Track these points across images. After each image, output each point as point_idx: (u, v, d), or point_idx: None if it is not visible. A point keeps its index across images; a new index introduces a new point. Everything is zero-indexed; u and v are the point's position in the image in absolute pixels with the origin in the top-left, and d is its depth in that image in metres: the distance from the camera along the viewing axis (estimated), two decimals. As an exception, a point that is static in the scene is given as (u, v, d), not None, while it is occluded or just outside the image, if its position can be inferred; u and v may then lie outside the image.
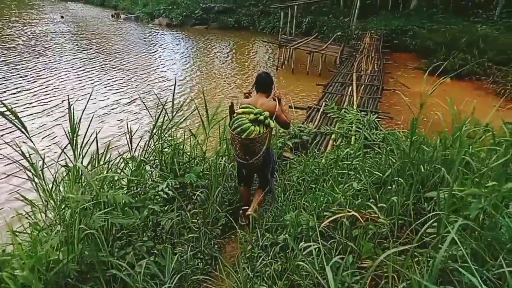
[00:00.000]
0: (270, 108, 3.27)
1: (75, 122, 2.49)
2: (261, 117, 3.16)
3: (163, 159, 3.55)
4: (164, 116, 3.55)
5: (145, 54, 15.68)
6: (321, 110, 6.64)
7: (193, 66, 14.33)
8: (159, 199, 3.02)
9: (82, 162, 2.59)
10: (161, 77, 12.36)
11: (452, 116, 2.79)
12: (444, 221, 1.64)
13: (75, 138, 2.50)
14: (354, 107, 6.75)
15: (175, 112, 3.60)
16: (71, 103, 2.55)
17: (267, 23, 23.61)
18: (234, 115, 3.31)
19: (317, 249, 2.00)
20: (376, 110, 6.79)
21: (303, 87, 11.64)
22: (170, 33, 21.90)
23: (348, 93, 7.91)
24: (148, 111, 3.94)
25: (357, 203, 2.40)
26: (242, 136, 3.13)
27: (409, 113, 2.92)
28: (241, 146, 3.21)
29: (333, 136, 5.18)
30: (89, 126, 2.76)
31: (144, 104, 5.27)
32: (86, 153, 2.76)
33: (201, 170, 3.69)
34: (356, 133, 4.58)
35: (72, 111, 2.50)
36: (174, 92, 3.96)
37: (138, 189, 3.06)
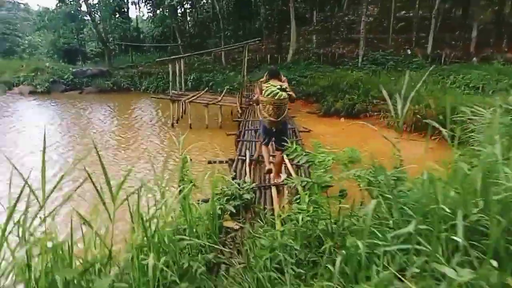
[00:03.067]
0: (286, 84, 4.47)
1: None
2: (284, 86, 4.35)
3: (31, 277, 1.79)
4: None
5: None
6: (247, 160, 5.50)
7: (66, 136, 11.82)
8: None
9: None
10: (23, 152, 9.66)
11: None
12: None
13: None
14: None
15: (48, 194, 1.95)
16: None
17: (149, 83, 22.37)
18: (265, 85, 4.37)
19: None
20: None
21: (208, 140, 10.45)
22: (33, 102, 18.58)
23: (266, 139, 7.06)
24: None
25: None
26: (276, 98, 4.24)
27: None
28: (274, 107, 4.32)
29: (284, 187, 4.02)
30: None
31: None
32: None
33: (111, 282, 2.02)
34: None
35: None
36: (43, 163, 2.24)
37: None
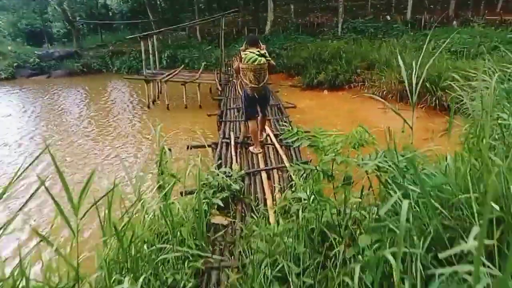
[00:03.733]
0: (264, 50, 4.59)
1: None
2: (263, 52, 4.50)
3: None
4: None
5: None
6: (231, 142, 5.05)
7: (36, 127, 11.02)
8: None
9: None
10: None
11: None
12: None
13: None
14: (270, 134, 5.39)
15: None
16: None
17: (122, 63, 21.23)
18: (244, 53, 4.49)
19: None
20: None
21: (188, 122, 9.92)
22: (-3, 89, 17.33)
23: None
24: None
25: None
26: (255, 63, 4.40)
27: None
28: (254, 73, 4.47)
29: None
30: None
31: None
32: None
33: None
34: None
35: None
36: None
37: None
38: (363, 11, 23.24)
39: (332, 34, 19.99)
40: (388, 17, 21.24)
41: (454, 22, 18.10)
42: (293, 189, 3.26)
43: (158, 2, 32.08)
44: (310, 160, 4.37)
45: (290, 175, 4.01)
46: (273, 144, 4.98)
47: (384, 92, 10.49)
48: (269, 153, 4.78)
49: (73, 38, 25.24)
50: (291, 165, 4.18)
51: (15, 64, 20.27)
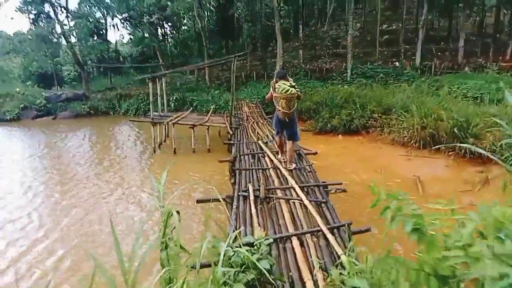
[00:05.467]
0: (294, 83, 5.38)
1: None
2: (294, 84, 5.29)
3: None
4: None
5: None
6: (250, 196, 4.28)
7: (41, 170, 10.38)
8: None
9: None
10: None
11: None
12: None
13: None
14: (295, 186, 4.63)
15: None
16: None
17: (130, 105, 21.04)
18: (277, 84, 5.25)
19: None
20: (322, 184, 4.80)
21: (197, 169, 9.21)
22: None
23: (268, 166, 5.84)
24: None
25: None
26: (288, 93, 5.14)
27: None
28: (286, 101, 5.20)
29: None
30: None
31: None
32: None
33: None
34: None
35: None
36: None
37: None
38: (371, 58, 23.32)
39: (341, 79, 19.84)
40: (397, 63, 21.20)
41: (466, 68, 17.90)
42: (340, 270, 2.45)
43: (168, 48, 32.79)
44: (350, 223, 3.57)
45: (329, 242, 3.21)
46: (300, 199, 4.20)
47: (405, 138, 9.83)
48: (296, 210, 4.00)
49: (82, 81, 25.38)
50: (329, 229, 3.43)
51: (21, 106, 20.16)
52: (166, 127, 12.15)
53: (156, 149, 11.13)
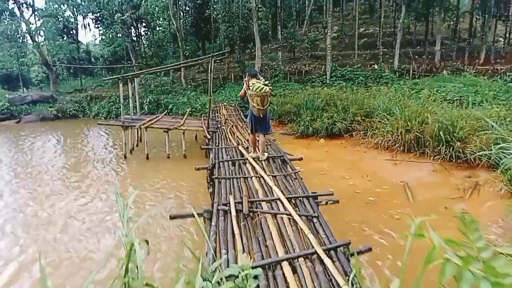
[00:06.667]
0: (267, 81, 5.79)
1: None
2: (266, 82, 5.64)
3: None
4: None
5: None
6: (232, 211, 3.70)
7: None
8: None
9: None
10: None
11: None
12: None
13: None
14: (282, 198, 4.08)
15: None
16: None
17: (100, 108, 19.96)
18: (252, 82, 5.57)
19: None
20: (312, 195, 4.28)
21: (171, 176, 8.53)
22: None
23: (250, 174, 5.27)
24: None
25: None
26: (262, 91, 5.48)
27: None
28: (260, 98, 5.57)
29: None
30: None
31: None
32: None
33: None
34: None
35: None
36: None
37: None
38: (350, 60, 23.27)
39: (321, 82, 19.59)
40: (376, 66, 21.18)
41: (444, 71, 18.02)
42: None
43: (142, 48, 31.70)
44: (349, 243, 3.05)
45: (327, 268, 2.68)
46: (289, 214, 3.66)
47: (390, 142, 9.51)
48: (285, 227, 3.45)
49: (50, 82, 24.00)
50: (325, 250, 2.90)
51: (-20, 108, 18.71)
52: (138, 131, 11.37)
53: (127, 155, 10.33)
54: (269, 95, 5.67)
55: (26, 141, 14.12)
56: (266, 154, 6.15)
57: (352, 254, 2.95)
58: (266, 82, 5.60)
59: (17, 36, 25.68)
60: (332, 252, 2.96)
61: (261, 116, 5.80)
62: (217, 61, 21.19)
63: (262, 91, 5.47)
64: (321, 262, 2.79)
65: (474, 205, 6.23)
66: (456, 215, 6.03)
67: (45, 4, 28.31)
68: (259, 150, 6.10)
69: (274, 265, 2.80)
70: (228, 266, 2.53)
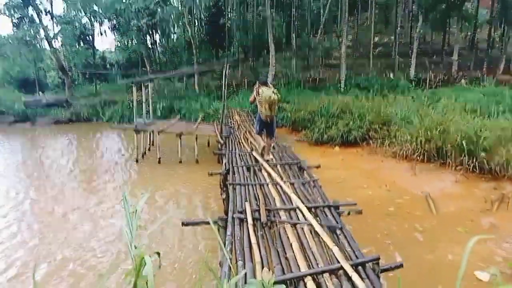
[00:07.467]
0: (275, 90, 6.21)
1: None
2: (275, 90, 6.05)
3: None
4: None
5: None
6: (248, 219, 3.47)
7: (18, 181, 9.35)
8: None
9: None
10: None
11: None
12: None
13: None
14: (301, 207, 3.82)
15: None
16: None
17: (114, 112, 20.02)
18: (261, 90, 5.95)
19: None
20: (334, 205, 4.01)
21: (183, 180, 8.35)
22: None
23: (266, 181, 5.03)
24: None
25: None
26: (271, 98, 5.88)
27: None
28: (269, 105, 5.95)
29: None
30: None
31: None
32: None
33: None
34: None
35: None
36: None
37: None
38: (363, 69, 22.97)
39: (335, 90, 19.32)
40: (391, 75, 20.82)
41: (462, 81, 17.56)
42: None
43: (157, 55, 31.97)
44: (378, 258, 2.78)
45: (355, 286, 2.41)
46: (310, 224, 3.41)
47: (409, 151, 9.16)
48: (306, 239, 3.19)
49: (65, 87, 24.26)
50: (352, 265, 2.62)
51: (-5, 110, 18.95)
52: (151, 135, 11.27)
53: (138, 159, 10.22)
54: (277, 102, 6.08)
55: (40, 143, 14.17)
56: (271, 155, 6.51)
57: (384, 271, 2.68)
58: (275, 91, 5.99)
59: (35, 42, 26.16)
60: (360, 267, 2.69)
61: (269, 121, 6.22)
62: (231, 68, 21.12)
63: (271, 99, 5.88)
64: (349, 278, 2.53)
65: (502, 218, 5.86)
66: (484, 228, 5.69)
67: (64, 11, 28.83)
68: (264, 149, 6.47)
69: (297, 280, 2.55)
70: (246, 282, 2.28)
